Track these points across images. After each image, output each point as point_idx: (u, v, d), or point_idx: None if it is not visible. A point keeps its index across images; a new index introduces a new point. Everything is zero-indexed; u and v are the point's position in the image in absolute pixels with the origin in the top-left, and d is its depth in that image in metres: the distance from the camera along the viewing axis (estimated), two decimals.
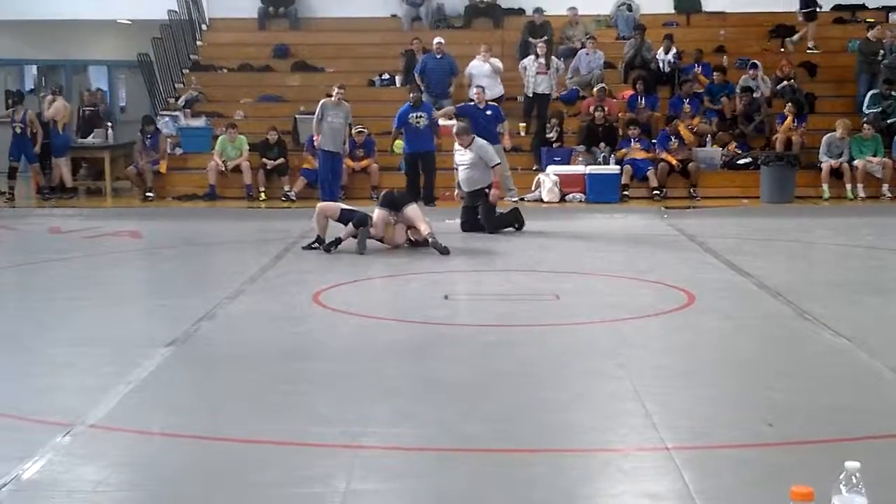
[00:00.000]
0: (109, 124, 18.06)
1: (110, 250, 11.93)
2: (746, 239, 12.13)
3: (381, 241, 11.25)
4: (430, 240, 10.99)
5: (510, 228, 12.67)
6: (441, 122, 15.17)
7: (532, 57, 16.93)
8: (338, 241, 11.10)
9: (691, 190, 15.56)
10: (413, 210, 11.35)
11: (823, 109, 17.24)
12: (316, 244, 11.18)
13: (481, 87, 15.42)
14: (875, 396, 5.81)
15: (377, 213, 11.24)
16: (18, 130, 16.23)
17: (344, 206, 11.71)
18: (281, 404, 5.63)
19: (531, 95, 16.83)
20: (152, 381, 6.03)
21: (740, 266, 9.92)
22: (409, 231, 11.38)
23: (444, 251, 10.86)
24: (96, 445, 4.97)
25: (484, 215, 12.50)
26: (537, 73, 16.73)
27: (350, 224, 11.09)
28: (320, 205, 11.76)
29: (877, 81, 16.92)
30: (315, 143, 14.74)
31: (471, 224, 12.59)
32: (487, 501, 4.31)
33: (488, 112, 14.96)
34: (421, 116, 14.62)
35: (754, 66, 17.14)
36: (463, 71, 16.94)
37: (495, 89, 16.43)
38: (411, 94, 14.94)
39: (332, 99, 14.62)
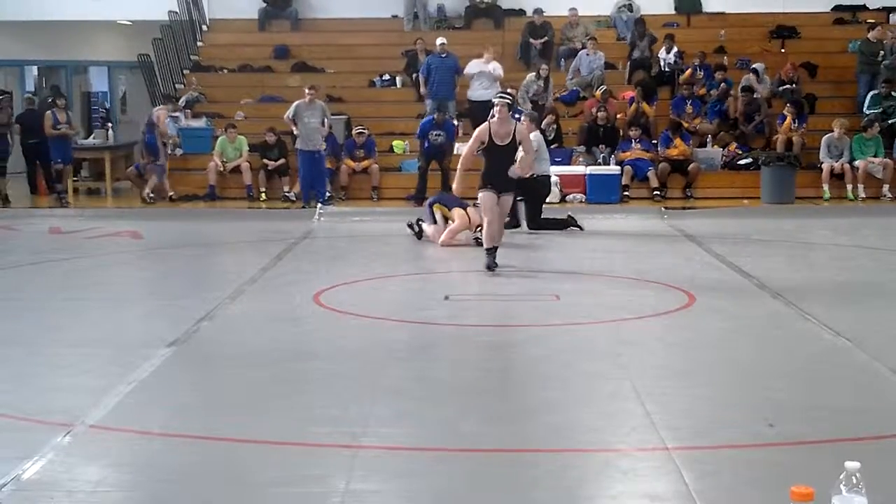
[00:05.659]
0: (110, 125, 18.01)
1: (111, 251, 11.93)
2: (747, 239, 12.12)
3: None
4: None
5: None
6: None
7: (533, 76, 16.89)
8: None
9: (686, 189, 15.58)
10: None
11: (823, 110, 17.23)
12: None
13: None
14: (875, 396, 5.81)
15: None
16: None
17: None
18: (281, 404, 5.62)
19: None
20: (152, 382, 6.03)
21: (740, 266, 9.92)
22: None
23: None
24: (96, 445, 4.98)
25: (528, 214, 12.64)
26: (534, 94, 16.73)
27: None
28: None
29: (877, 82, 16.92)
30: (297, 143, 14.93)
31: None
32: (487, 501, 4.30)
33: None
34: (440, 135, 15.01)
35: (755, 71, 17.10)
36: (463, 70, 16.93)
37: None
38: (437, 114, 15.24)
39: (305, 100, 14.75)
